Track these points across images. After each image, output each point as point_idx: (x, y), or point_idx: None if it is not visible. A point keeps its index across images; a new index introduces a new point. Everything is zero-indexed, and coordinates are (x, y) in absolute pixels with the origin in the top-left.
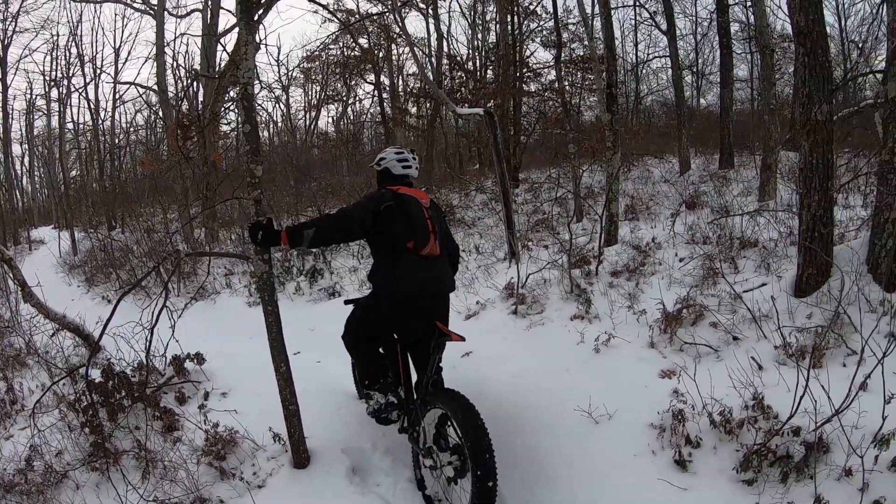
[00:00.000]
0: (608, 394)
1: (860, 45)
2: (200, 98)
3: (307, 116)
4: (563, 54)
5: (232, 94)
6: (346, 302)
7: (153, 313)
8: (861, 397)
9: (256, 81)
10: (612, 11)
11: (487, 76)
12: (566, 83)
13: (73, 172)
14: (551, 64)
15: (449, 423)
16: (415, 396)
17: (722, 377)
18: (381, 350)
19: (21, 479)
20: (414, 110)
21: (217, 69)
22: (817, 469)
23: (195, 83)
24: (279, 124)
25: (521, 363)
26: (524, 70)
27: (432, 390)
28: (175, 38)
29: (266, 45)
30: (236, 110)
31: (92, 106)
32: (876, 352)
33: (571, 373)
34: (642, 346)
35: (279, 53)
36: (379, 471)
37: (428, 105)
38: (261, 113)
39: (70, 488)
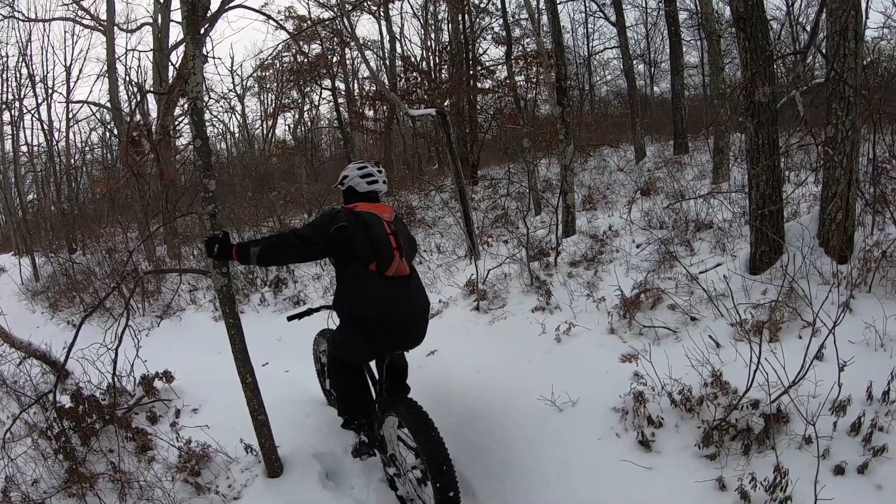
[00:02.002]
0: (571, 381)
1: (806, 28)
2: (154, 114)
3: (264, 125)
4: (514, 50)
5: (182, 108)
6: (289, 318)
7: (115, 333)
8: (817, 367)
9: (210, 93)
10: (562, 5)
11: (442, 76)
12: (521, 78)
13: (30, 196)
14: (504, 61)
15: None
16: (375, 405)
17: (680, 357)
18: (361, 381)
19: None
20: (371, 114)
21: (168, 84)
22: (777, 440)
23: (145, 99)
24: (236, 135)
25: (484, 357)
26: (478, 68)
27: (388, 397)
28: (126, 52)
29: (215, 57)
30: (189, 126)
31: (45, 127)
32: (828, 322)
33: (534, 363)
34: (602, 333)
35: (232, 63)
36: (351, 473)
37: (384, 108)
38: (217, 125)
39: None
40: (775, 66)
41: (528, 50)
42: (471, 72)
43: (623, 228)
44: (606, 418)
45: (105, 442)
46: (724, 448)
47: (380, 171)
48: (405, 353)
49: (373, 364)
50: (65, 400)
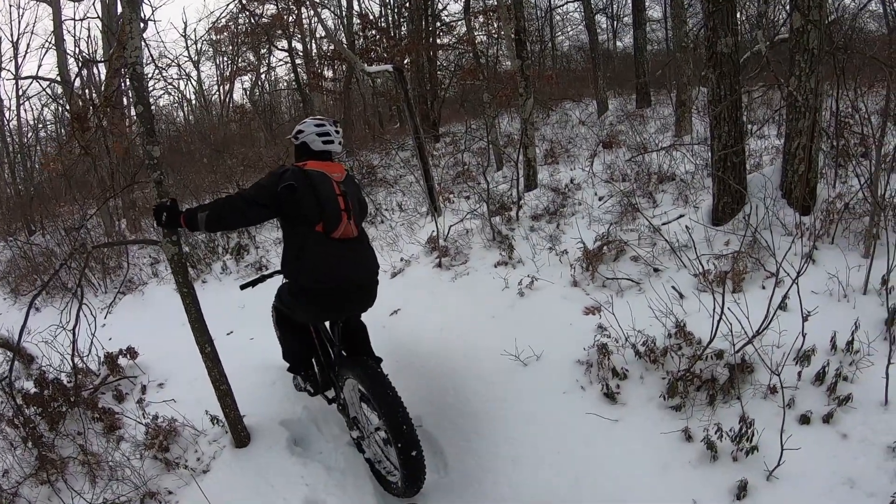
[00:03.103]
0: (535, 335)
1: None
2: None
3: (221, 90)
4: (472, 5)
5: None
6: (242, 287)
7: (70, 314)
8: (781, 317)
9: (161, 59)
10: None
11: (401, 32)
12: (481, 33)
13: None
14: (463, 16)
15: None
16: (334, 368)
17: (644, 309)
18: (304, 339)
19: None
20: (329, 74)
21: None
22: (742, 390)
23: (92, 70)
24: (193, 102)
25: (448, 314)
26: (437, 24)
27: (345, 359)
28: (74, 22)
29: (155, 21)
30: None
31: None
32: (792, 272)
33: (498, 318)
34: (565, 286)
35: (185, 28)
36: (319, 438)
37: (343, 67)
38: (172, 93)
39: None
40: (739, 18)
41: (489, 4)
42: (430, 28)
43: (585, 181)
44: (571, 371)
45: (73, 425)
46: (689, 399)
47: (337, 132)
48: (361, 315)
49: (328, 326)
50: (29, 386)
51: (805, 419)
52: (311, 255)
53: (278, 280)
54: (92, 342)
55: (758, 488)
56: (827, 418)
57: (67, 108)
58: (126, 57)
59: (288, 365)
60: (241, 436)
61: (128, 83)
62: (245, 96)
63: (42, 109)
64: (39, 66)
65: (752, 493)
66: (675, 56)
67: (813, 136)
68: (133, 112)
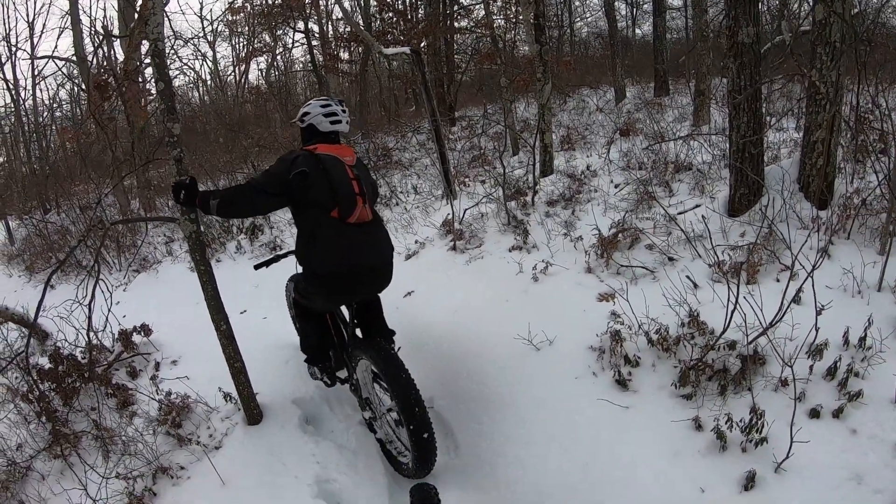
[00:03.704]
0: (548, 320)
1: None
2: (120, 61)
3: (236, 71)
4: None
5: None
6: (256, 267)
7: (86, 289)
8: (794, 310)
9: (178, 38)
10: None
11: (418, 15)
12: (500, 18)
13: (0, 159)
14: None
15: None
16: (347, 349)
17: (658, 297)
18: (322, 329)
19: None
20: (345, 56)
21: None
22: (754, 381)
23: (111, 45)
24: (208, 82)
25: (462, 297)
26: (455, 7)
27: (358, 340)
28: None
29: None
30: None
31: (11, 86)
32: (807, 266)
33: (512, 302)
34: (580, 272)
35: (202, 8)
36: (331, 417)
37: (359, 50)
38: (188, 73)
39: (35, 480)
40: (760, 9)
41: None
42: (447, 11)
43: (601, 169)
44: (583, 357)
45: (86, 400)
46: (700, 388)
47: (343, 111)
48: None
49: (343, 308)
50: (44, 361)
51: (815, 413)
52: (326, 241)
53: (292, 260)
54: (107, 318)
55: (766, 479)
56: (837, 413)
57: (83, 86)
58: (148, 32)
59: (305, 356)
60: (253, 413)
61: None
62: (260, 77)
63: (58, 89)
64: (55, 46)
65: (759, 485)
66: (695, 45)
67: (832, 130)
68: (152, 89)
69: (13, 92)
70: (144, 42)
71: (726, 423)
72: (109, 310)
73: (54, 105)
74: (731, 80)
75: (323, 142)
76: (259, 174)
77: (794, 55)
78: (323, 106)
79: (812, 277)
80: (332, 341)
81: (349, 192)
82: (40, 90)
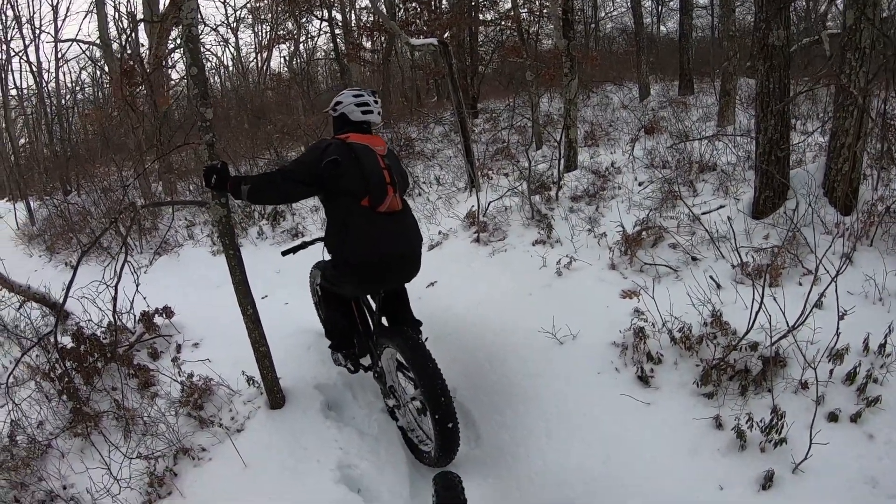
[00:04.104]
0: (571, 315)
1: None
2: (144, 46)
3: (258, 58)
4: None
5: (176, 37)
6: (284, 253)
7: (115, 270)
8: (816, 314)
9: (203, 25)
10: None
11: (442, 6)
12: (524, 10)
13: (22, 140)
14: None
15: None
16: (373, 336)
17: (681, 296)
18: (348, 316)
19: (6, 455)
20: (368, 45)
21: (160, 13)
22: (774, 382)
23: (136, 30)
24: (230, 68)
25: (485, 289)
26: None
27: (384, 329)
28: None
29: None
30: (182, 55)
31: (34, 69)
32: (830, 270)
33: (535, 296)
34: (603, 268)
35: None
36: (353, 404)
37: (382, 39)
38: (210, 58)
39: (55, 457)
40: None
41: None
42: (472, 2)
43: (625, 166)
44: (606, 353)
45: (108, 380)
46: (721, 388)
47: (376, 101)
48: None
49: (369, 296)
50: (66, 341)
51: (833, 417)
52: (357, 230)
53: (317, 247)
54: (134, 298)
55: (784, 480)
56: (855, 418)
57: (106, 69)
58: (182, 17)
59: (328, 341)
60: (276, 398)
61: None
62: (283, 64)
63: (80, 72)
64: (79, 29)
65: (777, 484)
66: (722, 45)
67: (859, 136)
68: (173, 75)
69: (36, 75)
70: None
71: (747, 422)
72: (136, 290)
73: (76, 88)
74: (760, 81)
75: (355, 131)
76: (291, 162)
77: (819, 59)
78: (356, 96)
79: (836, 282)
80: (357, 328)
81: (380, 181)
82: (63, 73)
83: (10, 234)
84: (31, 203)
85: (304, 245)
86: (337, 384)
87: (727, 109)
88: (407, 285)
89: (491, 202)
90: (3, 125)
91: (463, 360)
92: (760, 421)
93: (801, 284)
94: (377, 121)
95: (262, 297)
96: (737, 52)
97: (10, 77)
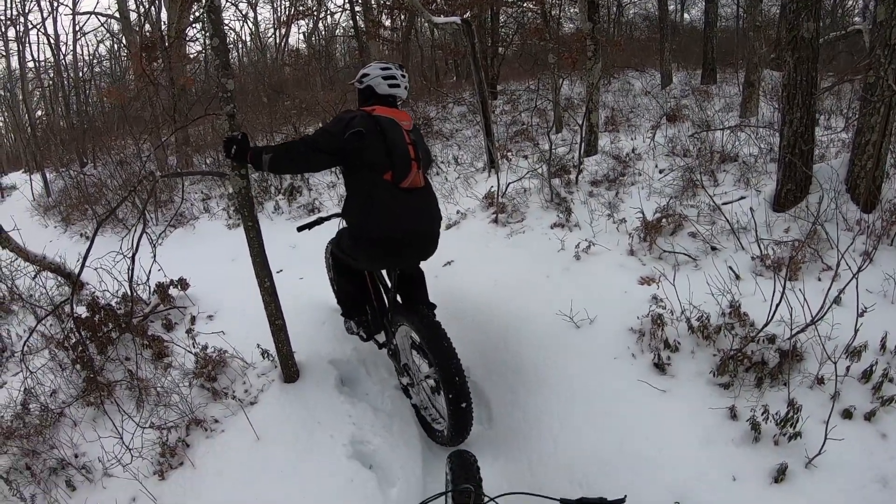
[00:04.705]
0: (589, 299)
1: None
2: (164, 20)
3: (277, 34)
4: None
5: (196, 12)
6: (300, 228)
7: (132, 241)
8: (834, 311)
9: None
10: None
11: None
12: None
13: (39, 113)
14: None
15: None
16: (388, 314)
17: (700, 285)
18: (359, 284)
19: (19, 423)
20: (388, 23)
21: None
22: (791, 376)
23: (155, 3)
24: (248, 44)
25: (502, 270)
26: None
27: (399, 306)
28: None
29: None
30: (202, 29)
31: (52, 41)
32: (851, 266)
33: (552, 279)
34: (622, 254)
35: None
36: (367, 380)
37: (402, 17)
38: (229, 34)
39: (67, 426)
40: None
41: None
42: None
43: (646, 152)
44: (623, 338)
45: (122, 350)
46: (738, 378)
47: (403, 76)
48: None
49: (385, 272)
50: (81, 310)
51: (848, 414)
52: (379, 204)
53: (334, 223)
54: (151, 269)
55: (796, 473)
56: (869, 416)
57: (124, 43)
58: None
59: (341, 309)
60: (290, 371)
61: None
62: (301, 40)
63: (98, 45)
64: (97, 1)
65: (790, 478)
66: (748, 35)
67: (885, 134)
68: (192, 49)
69: (54, 47)
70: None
71: (762, 414)
72: (153, 260)
73: (94, 61)
74: (788, 73)
75: (380, 104)
76: (315, 131)
77: (843, 54)
78: (383, 69)
79: (857, 279)
80: (369, 297)
81: (405, 156)
82: (80, 46)
83: (27, 206)
84: (48, 175)
85: (320, 220)
86: (351, 360)
87: (751, 101)
88: (423, 264)
89: (510, 183)
90: (21, 97)
91: (477, 339)
92: (776, 414)
93: (820, 280)
94: (403, 95)
95: (278, 272)
96: (763, 43)
97: (27, 49)
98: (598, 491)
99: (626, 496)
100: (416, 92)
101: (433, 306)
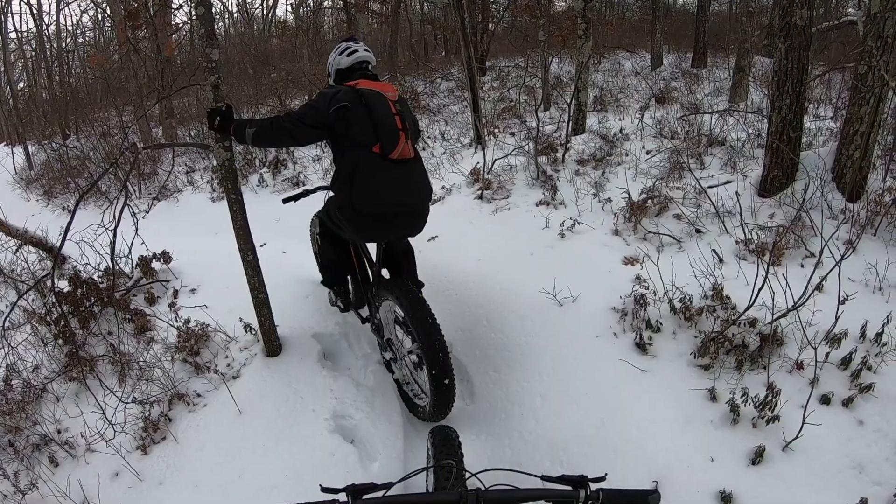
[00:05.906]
0: (572, 277)
1: None
2: None
3: (264, 4)
4: None
5: None
6: (285, 200)
7: (113, 214)
8: (816, 297)
9: None
10: None
11: None
12: None
13: (21, 84)
14: None
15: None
16: (372, 288)
17: (683, 267)
18: (342, 254)
19: (1, 399)
20: None
21: None
22: (770, 360)
23: None
24: (235, 14)
25: (486, 247)
26: None
27: (384, 281)
28: None
29: None
30: None
31: (34, 11)
32: (834, 254)
33: (536, 256)
34: (606, 233)
35: None
36: (349, 354)
37: None
38: (215, 3)
39: (50, 401)
40: None
41: None
42: None
43: (634, 133)
44: (605, 317)
45: (104, 325)
46: (718, 361)
47: (356, 42)
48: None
49: (371, 246)
50: (63, 285)
51: (826, 399)
52: (366, 177)
53: (320, 196)
54: (133, 242)
55: (773, 457)
56: (847, 402)
57: (108, 12)
58: None
59: (322, 278)
60: (273, 345)
61: None
62: (289, 11)
63: (81, 15)
64: None
65: (766, 461)
66: (740, 20)
67: (873, 125)
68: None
69: (36, 17)
70: None
71: (742, 397)
72: (135, 233)
73: (77, 31)
74: (779, 60)
75: (363, 78)
76: (300, 107)
77: (836, 44)
78: (334, 51)
79: (840, 266)
80: (351, 268)
81: (391, 127)
82: (63, 16)
83: (8, 179)
84: (30, 147)
85: (305, 193)
86: (334, 334)
87: (740, 86)
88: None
89: (496, 160)
90: (2, 68)
91: (460, 315)
92: (755, 397)
93: (802, 266)
94: (368, 58)
95: (261, 245)
96: (755, 29)
97: (9, 20)
98: (579, 469)
99: (606, 474)
100: (404, 66)
101: (421, 284)
